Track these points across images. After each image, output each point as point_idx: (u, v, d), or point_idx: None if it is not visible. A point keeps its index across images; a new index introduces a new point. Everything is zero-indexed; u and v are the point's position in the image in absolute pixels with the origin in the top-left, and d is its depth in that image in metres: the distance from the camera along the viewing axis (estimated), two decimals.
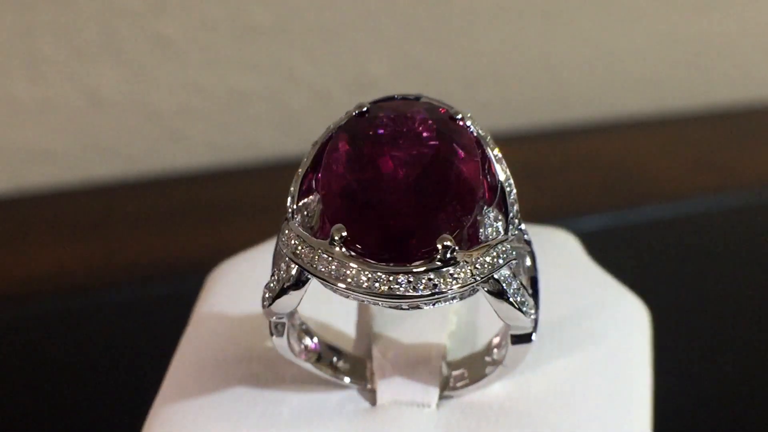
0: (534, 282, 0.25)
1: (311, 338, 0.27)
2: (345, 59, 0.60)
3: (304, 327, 0.27)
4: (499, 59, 0.63)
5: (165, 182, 0.58)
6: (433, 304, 0.22)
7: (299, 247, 0.22)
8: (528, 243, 0.25)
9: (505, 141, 0.68)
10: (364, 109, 0.24)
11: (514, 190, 0.24)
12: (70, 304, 0.46)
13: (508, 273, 0.23)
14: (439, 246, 0.21)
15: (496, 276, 0.22)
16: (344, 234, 0.22)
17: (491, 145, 0.24)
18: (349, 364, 0.28)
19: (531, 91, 0.65)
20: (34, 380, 0.41)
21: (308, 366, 0.27)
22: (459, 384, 0.27)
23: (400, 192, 0.22)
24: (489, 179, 0.24)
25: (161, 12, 0.55)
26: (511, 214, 0.23)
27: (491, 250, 0.22)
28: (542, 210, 0.54)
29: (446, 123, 0.23)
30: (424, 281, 0.21)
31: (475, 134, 0.24)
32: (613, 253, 0.50)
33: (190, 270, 0.49)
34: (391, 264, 0.22)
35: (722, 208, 0.55)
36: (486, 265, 0.22)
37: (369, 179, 0.22)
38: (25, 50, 0.55)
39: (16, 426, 0.39)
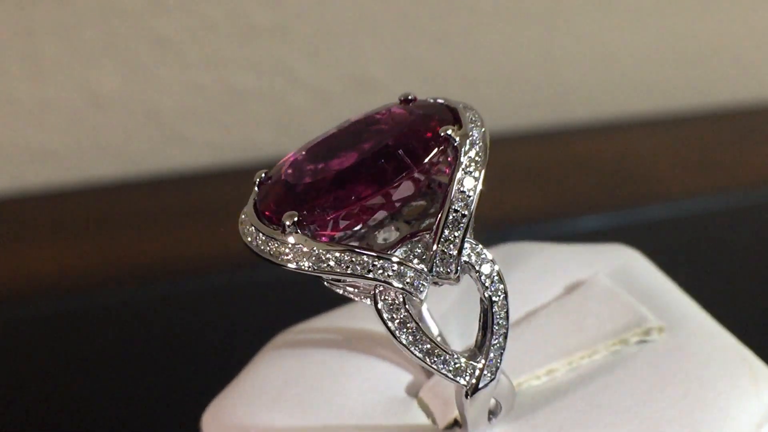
0: (487, 336, 0.24)
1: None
2: (345, 59, 0.60)
3: None
4: (499, 59, 0.63)
5: (165, 182, 0.58)
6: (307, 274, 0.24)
7: None
8: (490, 299, 0.24)
9: (505, 141, 0.68)
10: (410, 97, 0.26)
11: (461, 228, 0.23)
12: (70, 304, 0.46)
13: (393, 304, 0.23)
14: (287, 222, 0.23)
15: (378, 302, 0.23)
16: (263, 176, 0.25)
17: (465, 174, 0.23)
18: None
19: (531, 91, 0.65)
20: (34, 380, 0.41)
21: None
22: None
23: (303, 176, 0.24)
24: (435, 203, 0.24)
25: (161, 12, 0.55)
26: (443, 248, 0.23)
27: (347, 255, 0.23)
28: (542, 210, 0.54)
29: (417, 134, 0.24)
30: (268, 243, 0.23)
31: (463, 158, 0.23)
32: None
33: (190, 270, 0.49)
34: (266, 224, 0.24)
35: (722, 208, 0.55)
36: (331, 263, 0.23)
37: (297, 158, 0.25)
38: (25, 50, 0.55)
39: (16, 426, 0.39)
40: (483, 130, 0.24)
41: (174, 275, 0.49)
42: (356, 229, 0.24)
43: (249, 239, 0.24)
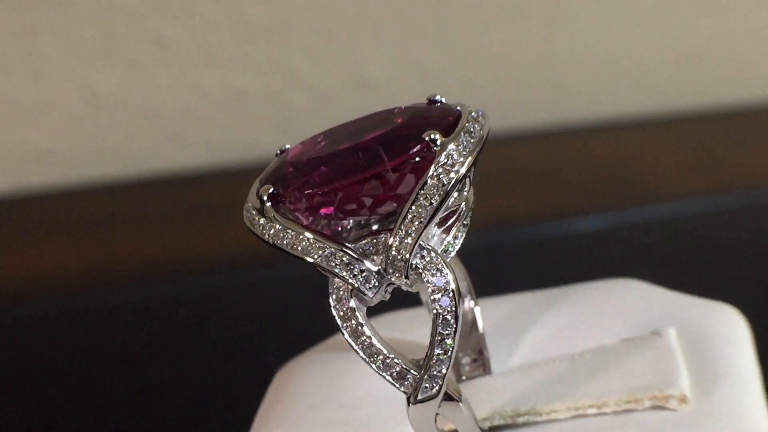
0: (431, 350, 0.23)
1: None
2: (345, 59, 0.60)
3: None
4: (499, 59, 0.63)
5: (165, 182, 0.59)
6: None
7: None
8: (436, 314, 0.23)
9: (505, 141, 0.67)
10: (435, 98, 0.26)
11: (414, 233, 0.23)
12: (70, 304, 0.46)
13: (342, 295, 0.23)
14: (264, 195, 0.24)
15: (329, 290, 0.23)
16: (284, 150, 0.26)
17: (433, 181, 0.23)
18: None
19: (531, 91, 0.65)
20: (34, 380, 0.41)
21: None
22: None
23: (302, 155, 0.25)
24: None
25: (161, 12, 0.56)
26: (395, 251, 0.23)
27: (300, 236, 0.23)
28: (542, 210, 0.54)
29: (407, 134, 0.24)
30: (252, 212, 0.24)
31: (433, 166, 0.23)
32: (613, 253, 0.50)
33: (190, 270, 0.49)
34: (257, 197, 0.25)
35: (722, 208, 0.55)
36: (287, 240, 0.23)
37: (307, 140, 0.25)
38: (25, 50, 0.55)
39: (17, 425, 0.39)
40: (474, 140, 0.24)
41: (174, 275, 0.49)
42: (354, 219, 0.24)
43: (245, 209, 0.25)
